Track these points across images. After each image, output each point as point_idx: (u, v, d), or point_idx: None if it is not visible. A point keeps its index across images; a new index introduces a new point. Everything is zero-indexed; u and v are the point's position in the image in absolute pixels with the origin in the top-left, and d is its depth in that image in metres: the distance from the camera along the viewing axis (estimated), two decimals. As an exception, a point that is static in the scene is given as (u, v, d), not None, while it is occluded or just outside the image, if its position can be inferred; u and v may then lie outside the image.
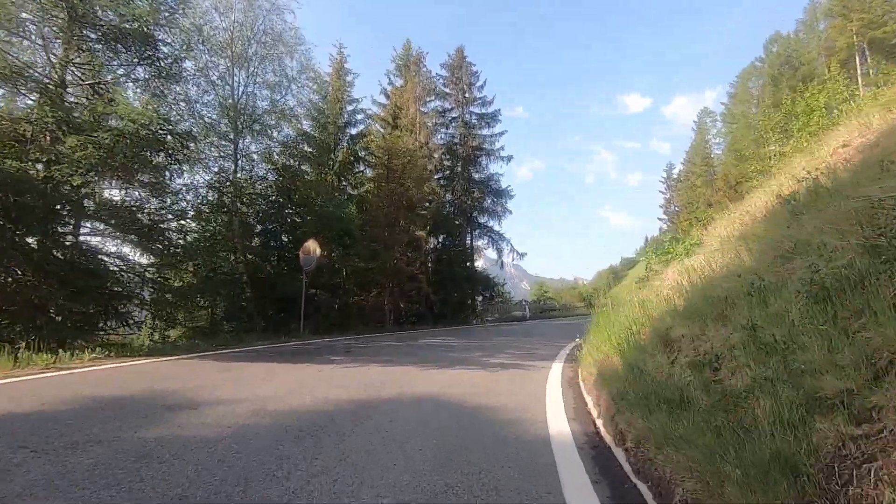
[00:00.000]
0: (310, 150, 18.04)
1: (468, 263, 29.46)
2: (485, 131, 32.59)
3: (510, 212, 32.95)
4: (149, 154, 9.35)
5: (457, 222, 30.27)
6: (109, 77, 9.41)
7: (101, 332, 11.12)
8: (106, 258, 10.53)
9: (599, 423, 3.92)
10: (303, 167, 17.39)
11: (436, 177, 31.28)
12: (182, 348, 9.08)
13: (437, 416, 3.92)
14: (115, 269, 10.83)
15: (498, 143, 32.27)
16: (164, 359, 7.51)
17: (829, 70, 43.50)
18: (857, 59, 38.15)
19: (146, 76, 10.04)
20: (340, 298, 19.55)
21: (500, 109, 32.62)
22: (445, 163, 32.26)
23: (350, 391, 4.82)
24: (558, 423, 3.82)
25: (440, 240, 29.76)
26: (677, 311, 4.53)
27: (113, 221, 9.75)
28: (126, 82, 9.99)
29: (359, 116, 21.63)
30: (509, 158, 32.25)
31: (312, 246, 13.88)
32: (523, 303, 29.78)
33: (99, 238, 10.84)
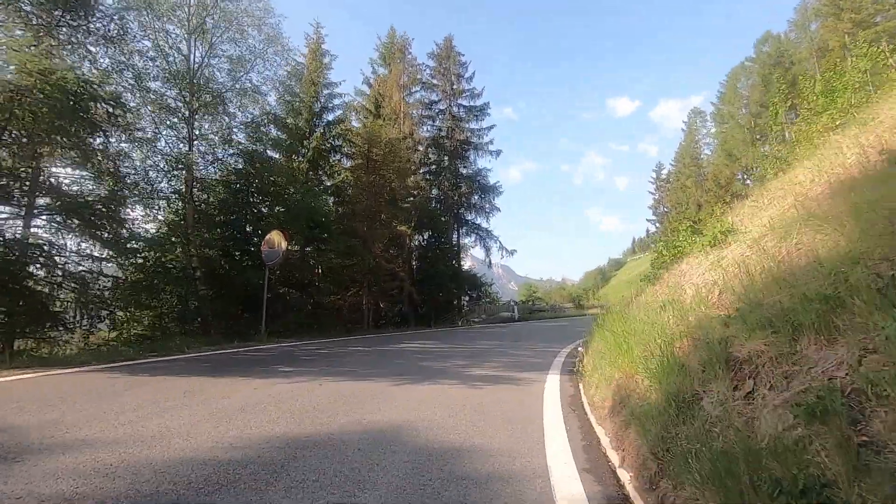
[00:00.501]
0: (280, 135, 16.52)
1: (454, 262, 28.13)
2: (473, 124, 31.36)
3: (498, 209, 31.74)
4: (70, 123, 7.79)
5: (443, 218, 28.89)
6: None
7: (27, 336, 9.55)
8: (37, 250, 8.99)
9: (629, 484, 2.56)
10: (271, 153, 15.83)
11: (421, 171, 29.94)
12: (105, 355, 7.54)
13: (390, 468, 2.54)
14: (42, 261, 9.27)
15: (486, 136, 31.07)
16: (66, 371, 6.01)
17: (818, 70, 43.14)
18: (848, 59, 37.52)
19: (71, 33, 8.46)
20: (314, 298, 18.03)
21: (489, 102, 31.41)
22: (431, 156, 30.89)
23: (280, 423, 3.42)
24: (566, 481, 2.49)
25: (425, 237, 28.38)
26: (733, 317, 3.21)
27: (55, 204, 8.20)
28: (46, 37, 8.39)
29: (336, 101, 20.10)
30: (498, 153, 31.06)
31: (277, 238, 12.38)
32: (511, 303, 28.51)
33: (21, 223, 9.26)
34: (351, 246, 17.85)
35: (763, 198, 7.07)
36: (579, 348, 7.29)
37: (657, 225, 71.12)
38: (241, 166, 14.15)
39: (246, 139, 14.32)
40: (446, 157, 30.18)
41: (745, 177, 56.10)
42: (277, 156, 16.61)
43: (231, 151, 13.85)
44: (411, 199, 25.69)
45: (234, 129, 14.10)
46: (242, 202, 14.25)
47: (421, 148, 29.05)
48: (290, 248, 12.83)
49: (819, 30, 41.41)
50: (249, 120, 14.50)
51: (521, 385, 5.39)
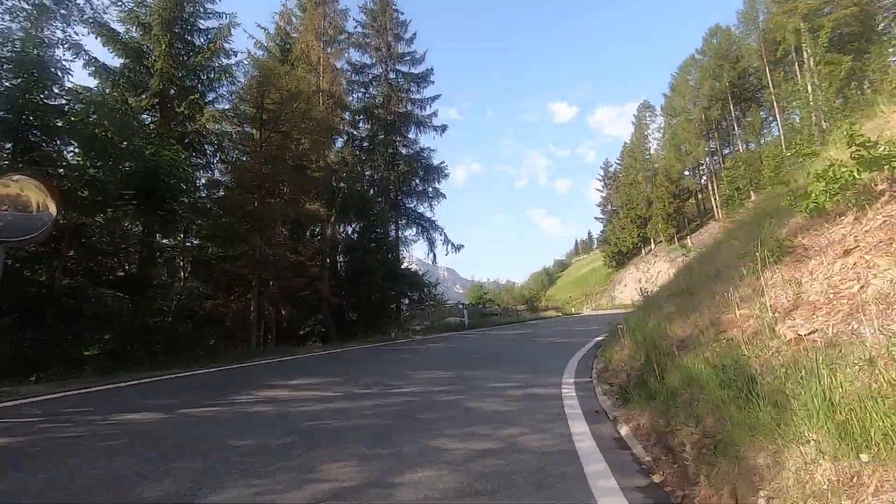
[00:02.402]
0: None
1: (391, 256, 22.87)
2: (414, 94, 26.31)
3: (443, 195, 26.84)
4: None
5: (377, 200, 23.58)
6: None
7: None
8: None
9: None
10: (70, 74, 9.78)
11: (351, 145, 24.45)
12: None
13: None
14: None
15: (429, 108, 26.10)
16: None
17: (766, 64, 42.13)
18: (805, 48, 36.52)
19: None
20: (173, 304, 12.12)
21: (432, 68, 26.44)
22: (363, 128, 25.50)
23: None
24: None
25: (355, 227, 22.93)
26: None
27: None
28: None
29: (212, 23, 14.01)
30: (444, 128, 26.16)
31: (31, 191, 6.62)
32: (461, 306, 23.64)
33: None
34: (230, 227, 12.15)
35: None
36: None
37: (605, 223, 69.84)
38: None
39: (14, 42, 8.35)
40: (382, 131, 24.89)
41: (695, 172, 55.44)
42: (96, 81, 10.70)
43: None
44: (333, 174, 20.20)
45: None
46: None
47: (348, 116, 23.55)
48: (62, 214, 7.13)
49: (767, 20, 40.56)
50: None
51: None
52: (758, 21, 42.90)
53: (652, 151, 54.65)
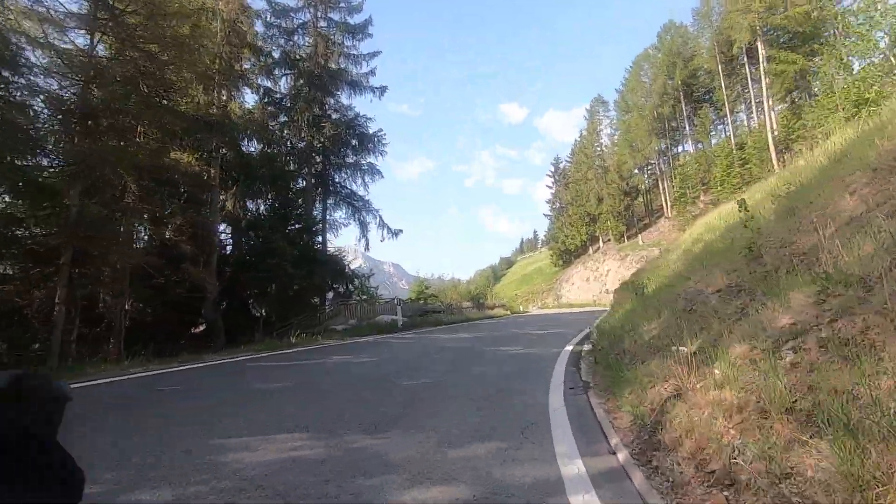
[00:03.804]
0: None
1: (307, 239, 18.54)
2: (349, 48, 22.03)
3: (380, 173, 22.85)
4: None
5: (297, 171, 19.21)
6: None
7: None
8: None
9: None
10: None
11: (265, 102, 19.85)
12: None
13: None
14: None
15: (366, 66, 21.94)
16: None
17: (718, 64, 41.62)
18: (760, 46, 35.95)
19: None
20: None
21: (371, 18, 22.31)
22: (285, 85, 20.97)
23: None
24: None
25: (270, 201, 18.39)
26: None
27: None
28: None
29: None
30: (382, 90, 22.05)
31: None
32: (395, 302, 19.77)
33: None
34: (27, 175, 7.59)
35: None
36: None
37: (552, 220, 68.43)
38: None
39: None
40: (308, 88, 20.45)
41: (644, 170, 54.91)
42: None
43: None
44: (235, 129, 15.64)
45: None
46: None
47: (253, 59, 18.87)
48: None
49: (722, 17, 39.94)
50: None
51: None
52: (712, 19, 42.27)
53: (604, 147, 53.38)
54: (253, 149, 18.64)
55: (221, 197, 17.54)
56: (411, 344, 10.65)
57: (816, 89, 37.38)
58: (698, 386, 2.92)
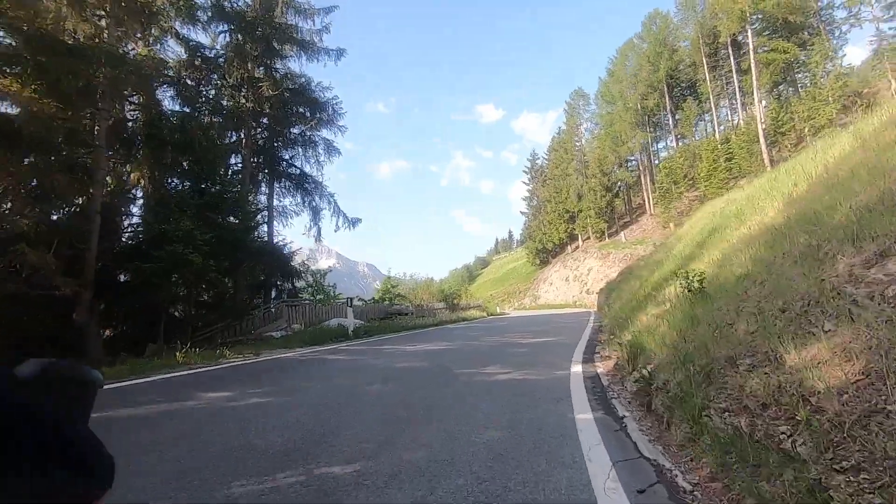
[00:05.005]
0: None
1: (247, 229, 14.91)
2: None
3: (338, 150, 19.42)
4: None
5: (226, 143, 15.55)
6: None
7: None
8: None
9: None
10: None
11: (191, 56, 16.11)
12: None
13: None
14: None
15: (319, 21, 18.39)
16: None
17: (703, 56, 39.87)
18: (750, 34, 34.13)
19: None
20: None
21: (327, -35, 18.85)
22: (218, 36, 17.24)
23: None
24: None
25: (188, 175, 14.70)
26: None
27: None
28: None
29: None
30: (339, 53, 18.55)
31: None
32: (347, 305, 16.23)
33: None
34: None
35: None
36: None
37: (529, 218, 65.97)
38: None
39: None
40: (249, 42, 16.80)
41: (626, 166, 52.82)
42: None
43: None
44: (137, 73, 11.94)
45: None
46: None
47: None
48: None
49: (707, 6, 38.14)
50: None
51: None
52: (696, 8, 40.50)
53: (584, 142, 51.16)
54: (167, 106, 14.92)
55: (126, 168, 13.84)
56: (352, 363, 7.35)
57: (808, 81, 36.25)
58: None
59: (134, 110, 14.82)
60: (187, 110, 14.49)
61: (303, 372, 6.49)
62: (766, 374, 2.90)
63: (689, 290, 5.54)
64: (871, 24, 35.61)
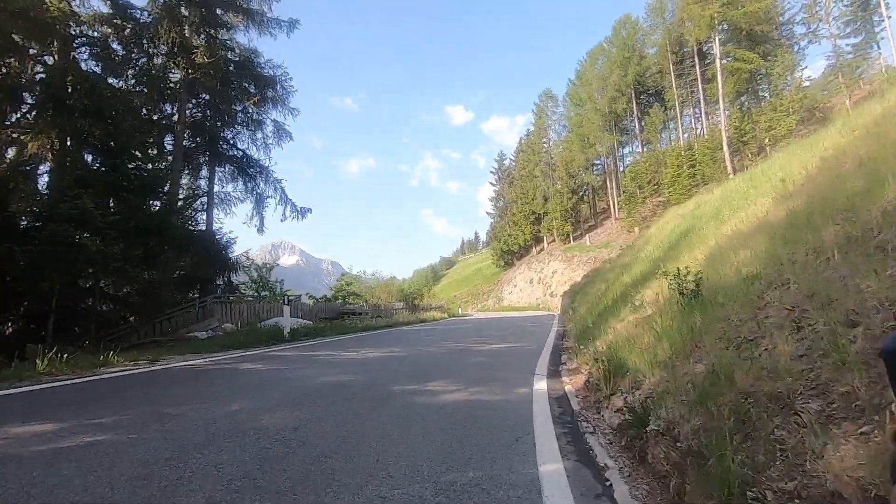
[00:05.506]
0: None
1: (167, 214, 12.99)
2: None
3: (289, 134, 17.70)
4: None
5: (145, 116, 13.58)
6: None
7: None
8: None
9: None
10: None
11: (118, 17, 14.01)
12: None
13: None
14: None
15: (271, -11, 16.57)
16: None
17: (670, 63, 40.27)
18: (717, 42, 34.49)
19: None
20: None
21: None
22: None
23: None
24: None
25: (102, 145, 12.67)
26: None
27: None
28: None
29: None
30: (292, 25, 16.80)
31: None
32: (284, 303, 14.51)
33: None
34: None
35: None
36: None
37: (495, 219, 65.34)
38: None
39: None
40: (181, 2, 14.84)
41: (591, 170, 52.82)
42: None
43: None
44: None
45: None
46: None
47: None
48: None
49: (676, 12, 38.46)
50: None
51: None
52: (665, 15, 40.86)
53: (552, 143, 50.88)
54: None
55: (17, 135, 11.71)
56: (266, 376, 5.85)
57: (767, 93, 37.13)
58: None
59: (42, 71, 12.77)
60: (110, 78, 12.48)
61: (188, 389, 4.96)
62: (861, 432, 1.73)
63: (680, 294, 4.44)
64: (828, 42, 37.09)
